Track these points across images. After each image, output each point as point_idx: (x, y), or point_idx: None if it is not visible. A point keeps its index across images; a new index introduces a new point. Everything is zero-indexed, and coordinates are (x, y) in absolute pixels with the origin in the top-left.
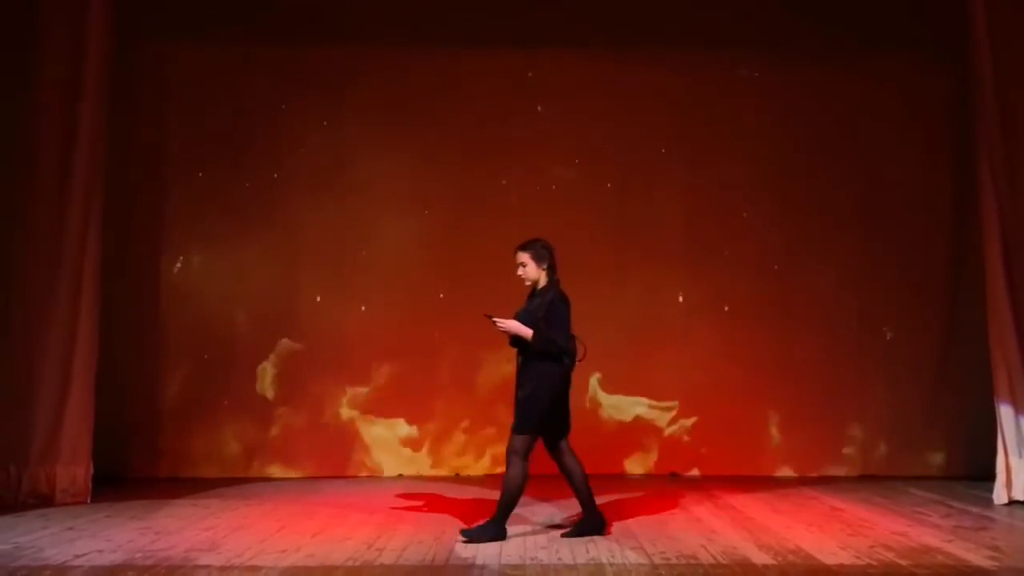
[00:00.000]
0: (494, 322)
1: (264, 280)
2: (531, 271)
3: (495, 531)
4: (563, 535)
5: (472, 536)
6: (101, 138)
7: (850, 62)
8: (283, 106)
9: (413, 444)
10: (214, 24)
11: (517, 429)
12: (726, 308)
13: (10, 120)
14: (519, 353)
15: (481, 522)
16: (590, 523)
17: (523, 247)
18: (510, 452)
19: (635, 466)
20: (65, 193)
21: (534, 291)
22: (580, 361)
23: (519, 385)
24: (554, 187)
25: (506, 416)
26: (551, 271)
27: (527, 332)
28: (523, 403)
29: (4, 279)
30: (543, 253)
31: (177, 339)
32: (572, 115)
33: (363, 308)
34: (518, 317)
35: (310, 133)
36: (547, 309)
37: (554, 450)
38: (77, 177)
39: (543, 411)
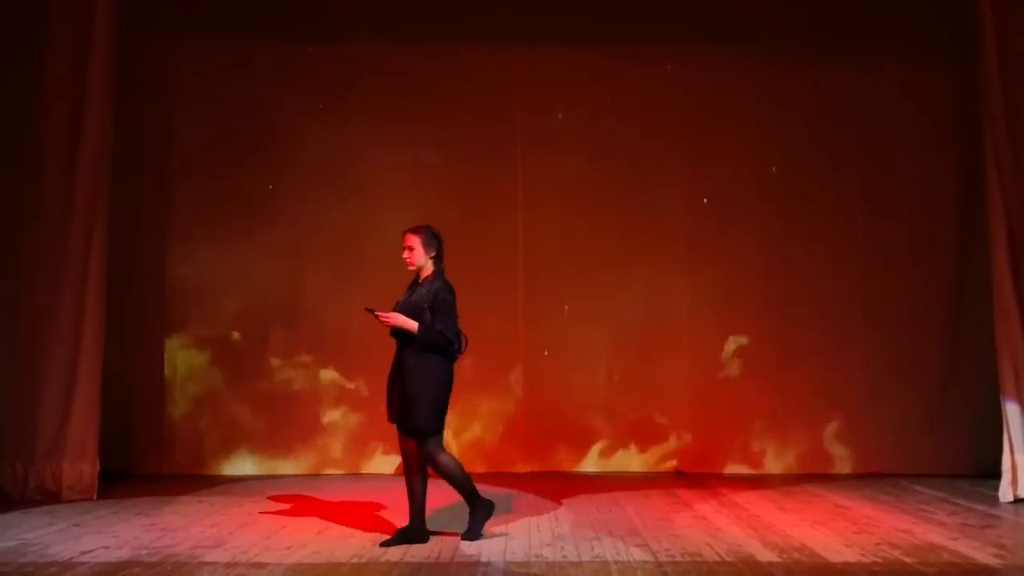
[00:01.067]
0: (376, 316)
1: (269, 277)
2: (418, 256)
3: (482, 513)
4: (382, 544)
5: (471, 536)
6: (106, 137)
7: (856, 57)
8: (287, 104)
9: None
10: (218, 23)
11: (425, 432)
12: (729, 303)
13: (16, 119)
14: (399, 346)
15: (469, 521)
16: (414, 532)
17: (413, 230)
18: (429, 456)
19: (640, 463)
20: (71, 191)
21: (415, 281)
22: (462, 354)
23: (404, 380)
24: (560, 183)
25: (512, 414)
26: (438, 260)
27: (413, 325)
28: (421, 403)
29: (11, 277)
30: (433, 240)
31: (182, 335)
32: (578, 111)
33: (370, 305)
34: (399, 308)
35: (314, 130)
36: (433, 299)
37: (421, 446)
38: (83, 175)
39: (444, 408)
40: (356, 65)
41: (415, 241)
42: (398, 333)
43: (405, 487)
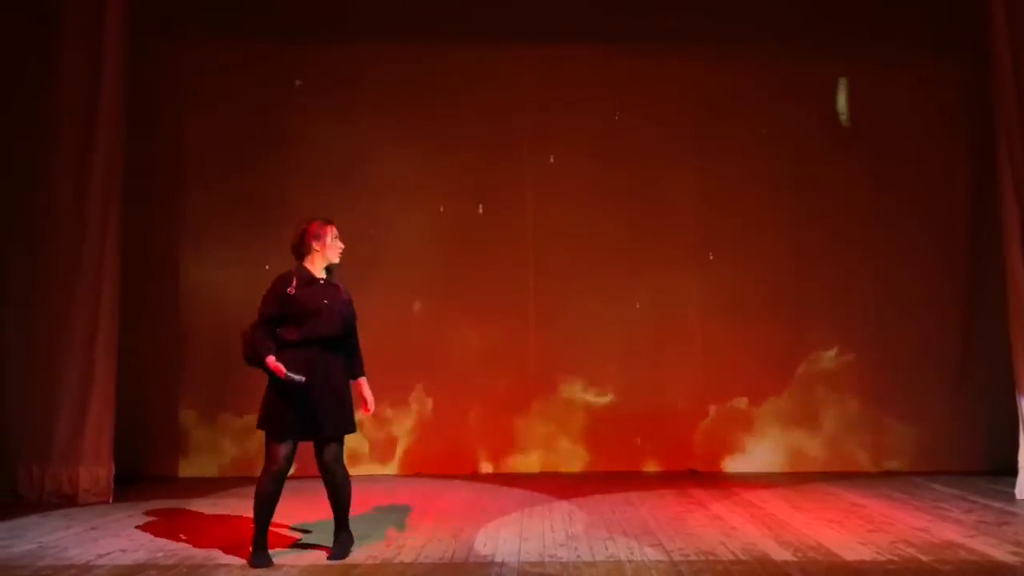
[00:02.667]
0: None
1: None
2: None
3: (350, 536)
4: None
5: (339, 555)
6: (118, 141)
7: (868, 50)
8: (296, 105)
9: (428, 441)
10: (228, 25)
11: (340, 434)
12: (740, 300)
13: (29, 123)
14: (326, 351)
15: (338, 539)
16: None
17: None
18: (338, 460)
19: (654, 462)
20: (84, 196)
21: (312, 276)
22: None
23: (336, 386)
24: (569, 181)
25: (524, 414)
26: None
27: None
28: (343, 406)
29: (26, 282)
30: None
31: (196, 338)
32: (586, 109)
33: (378, 304)
34: (344, 307)
35: (324, 131)
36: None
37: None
38: (95, 180)
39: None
40: (365, 65)
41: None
42: (330, 342)
43: (333, 494)
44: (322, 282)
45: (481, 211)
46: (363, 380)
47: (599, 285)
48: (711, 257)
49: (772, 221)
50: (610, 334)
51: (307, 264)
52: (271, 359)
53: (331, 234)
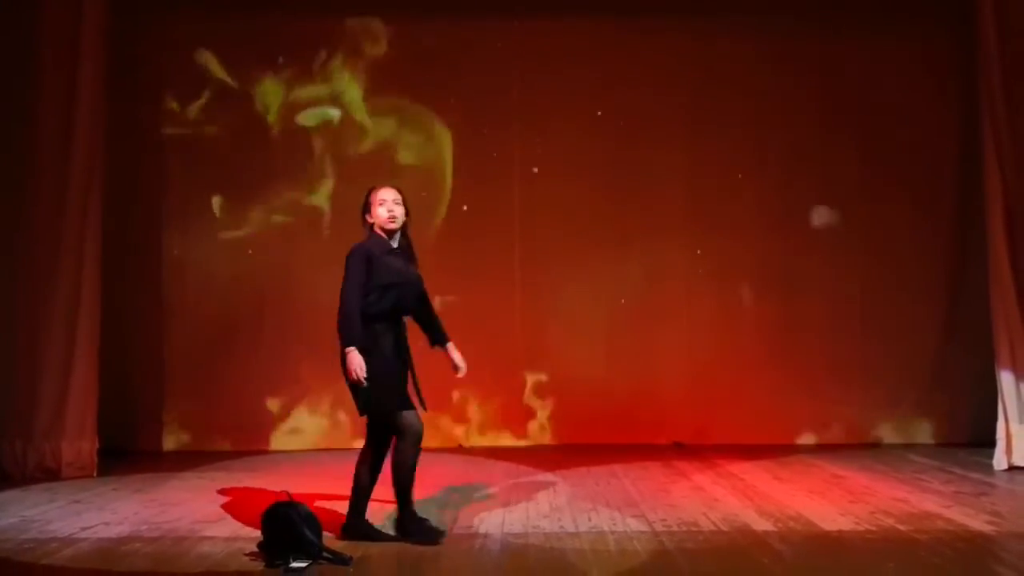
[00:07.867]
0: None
1: (265, 253)
2: (403, 212)
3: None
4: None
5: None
6: (100, 110)
7: (856, 23)
8: (283, 77)
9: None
10: None
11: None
12: (728, 275)
13: (7, 95)
14: (398, 323)
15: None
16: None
17: (393, 184)
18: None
19: (638, 435)
20: (66, 167)
21: (389, 246)
22: None
23: (410, 358)
24: (557, 154)
25: (509, 388)
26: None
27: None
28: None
29: (8, 256)
30: None
31: (181, 313)
32: (575, 81)
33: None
34: (415, 278)
35: (309, 104)
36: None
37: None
38: (77, 151)
39: None
40: (352, 36)
41: (400, 197)
42: (405, 307)
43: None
44: (395, 250)
45: (466, 209)
46: (450, 344)
47: (585, 258)
48: (698, 253)
49: (761, 196)
50: (598, 308)
51: (377, 232)
52: (354, 353)
53: (376, 202)
